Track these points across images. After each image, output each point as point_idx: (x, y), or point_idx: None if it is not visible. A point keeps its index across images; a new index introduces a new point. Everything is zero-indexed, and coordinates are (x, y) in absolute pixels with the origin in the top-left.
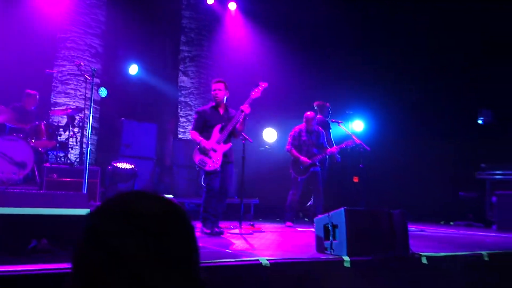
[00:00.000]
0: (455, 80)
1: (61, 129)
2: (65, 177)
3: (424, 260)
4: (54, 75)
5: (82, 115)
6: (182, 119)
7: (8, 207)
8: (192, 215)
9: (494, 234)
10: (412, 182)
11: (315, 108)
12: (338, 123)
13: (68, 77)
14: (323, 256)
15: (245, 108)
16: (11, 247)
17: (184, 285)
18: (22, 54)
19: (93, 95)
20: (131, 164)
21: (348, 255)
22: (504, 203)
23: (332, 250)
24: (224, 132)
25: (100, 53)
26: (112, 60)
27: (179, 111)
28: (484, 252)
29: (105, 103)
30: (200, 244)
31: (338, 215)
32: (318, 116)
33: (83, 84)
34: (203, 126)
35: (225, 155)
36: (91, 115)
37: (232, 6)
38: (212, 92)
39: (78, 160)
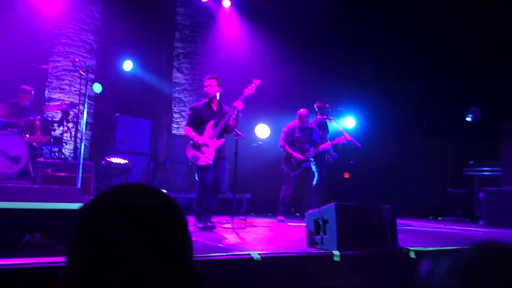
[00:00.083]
0: (445, 78)
1: (55, 124)
2: (59, 172)
3: (412, 255)
4: (49, 70)
5: (76, 111)
6: (176, 115)
7: (2, 201)
8: (185, 210)
9: (481, 229)
10: (402, 178)
11: (316, 109)
12: (330, 119)
13: (63, 72)
14: (313, 251)
15: (238, 104)
16: (4, 241)
17: (181, 279)
18: (18, 50)
19: (87, 90)
20: (125, 159)
21: (338, 249)
22: (491, 199)
23: (322, 245)
24: (217, 128)
25: (95, 49)
26: (107, 56)
27: (173, 107)
28: None
29: (99, 98)
30: (193, 238)
31: (329, 210)
32: (318, 116)
33: (78, 80)
34: (197, 122)
35: (218, 150)
36: (85, 110)
37: (226, 3)
38: (205, 88)
39: (72, 155)
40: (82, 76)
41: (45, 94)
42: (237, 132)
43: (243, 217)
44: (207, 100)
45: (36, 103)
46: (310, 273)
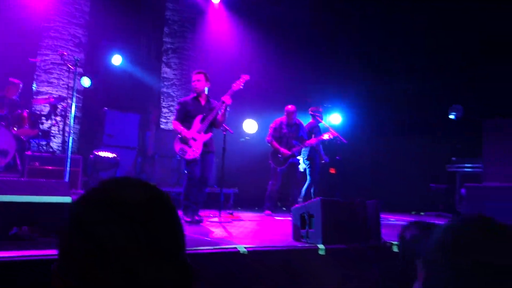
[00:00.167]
0: (429, 77)
1: (43, 118)
2: (47, 165)
3: (395, 249)
4: (37, 64)
5: (65, 104)
6: (164, 110)
7: None
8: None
9: None
10: (386, 174)
11: (310, 113)
12: (316, 116)
13: (51, 66)
14: (299, 244)
15: (227, 99)
16: None
17: (176, 274)
18: (5, 42)
19: (76, 84)
20: (113, 153)
21: (323, 243)
22: (472, 195)
23: (308, 239)
24: (205, 122)
25: (84, 43)
26: (96, 50)
27: (161, 101)
28: None
29: (88, 92)
30: None
31: (315, 205)
32: (311, 120)
33: (66, 74)
34: (185, 116)
35: (205, 144)
36: (73, 104)
37: None
38: (192, 83)
39: (60, 148)
40: (71, 70)
41: (33, 88)
42: (225, 127)
43: (230, 211)
44: (195, 94)
45: (24, 97)
46: (295, 266)
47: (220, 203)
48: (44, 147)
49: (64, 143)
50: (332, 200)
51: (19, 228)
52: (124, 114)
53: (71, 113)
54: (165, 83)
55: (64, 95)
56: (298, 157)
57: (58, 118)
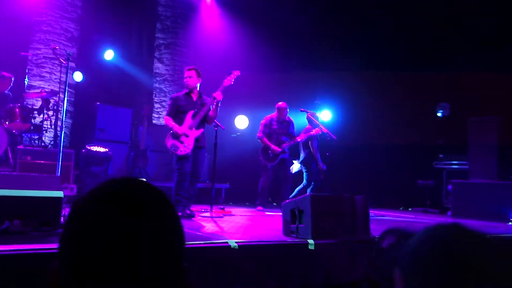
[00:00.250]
0: (417, 74)
1: (35, 112)
2: (39, 160)
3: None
4: (29, 58)
5: (57, 99)
6: (156, 105)
7: None
8: None
9: (448, 219)
10: (374, 170)
11: (309, 116)
12: (307, 112)
13: (43, 60)
14: (289, 239)
15: (218, 95)
16: None
17: (175, 274)
18: None
19: (68, 79)
20: (105, 147)
21: (312, 238)
22: (458, 191)
23: (298, 234)
24: (197, 118)
25: (76, 38)
26: (88, 44)
27: (154, 97)
28: None
29: (80, 87)
30: None
31: (304, 201)
32: (308, 126)
33: (58, 68)
34: (177, 112)
35: (197, 140)
36: (66, 98)
37: None
38: (184, 80)
39: (52, 143)
40: (63, 64)
41: (25, 82)
42: (216, 123)
43: (222, 206)
44: (187, 90)
45: (16, 91)
46: (285, 260)
47: (211, 198)
48: (36, 141)
49: (56, 138)
50: (321, 195)
51: (11, 222)
52: (116, 109)
53: (63, 108)
54: (158, 78)
55: (56, 89)
56: (295, 161)
57: (50, 113)
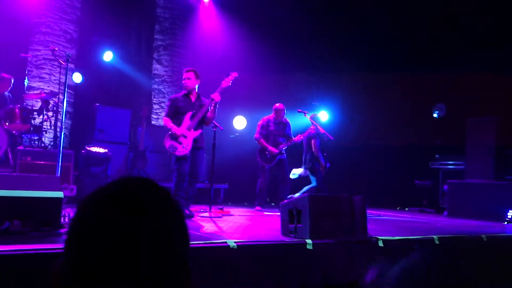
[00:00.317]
0: (414, 75)
1: (35, 113)
2: (39, 160)
3: (381, 243)
4: (29, 59)
5: (56, 100)
6: (155, 106)
7: None
8: None
9: (445, 219)
10: (371, 171)
11: (310, 119)
12: (305, 113)
13: (42, 61)
14: (287, 239)
15: (216, 96)
16: None
17: (178, 274)
18: None
19: (67, 80)
20: (105, 148)
21: (310, 238)
22: (454, 191)
23: (296, 234)
24: (195, 119)
25: (75, 39)
26: (87, 46)
27: (152, 98)
28: (435, 236)
29: (79, 88)
30: None
31: (303, 201)
32: (312, 126)
33: (58, 69)
34: (175, 113)
35: (196, 140)
36: (65, 99)
37: None
38: (183, 81)
39: (52, 143)
40: (62, 66)
41: (25, 83)
42: (215, 124)
43: (220, 207)
44: (186, 92)
45: (16, 92)
46: (284, 260)
47: (210, 198)
48: (36, 142)
49: (56, 138)
50: (319, 195)
51: (11, 222)
52: (116, 109)
53: (62, 109)
54: (156, 79)
55: (56, 90)
56: (297, 169)
57: (50, 114)
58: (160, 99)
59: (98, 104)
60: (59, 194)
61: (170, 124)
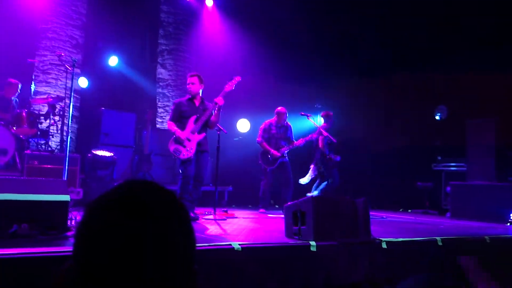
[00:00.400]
0: (415, 77)
1: (42, 117)
2: (46, 164)
3: (384, 245)
4: (35, 64)
5: (63, 104)
6: (160, 110)
7: None
8: None
9: (447, 221)
10: (374, 173)
11: (321, 118)
12: (307, 116)
13: (49, 66)
14: (291, 241)
15: (219, 100)
16: None
17: (184, 276)
18: (4, 43)
19: (73, 84)
20: (110, 152)
21: (314, 240)
22: (457, 193)
23: (300, 236)
24: (199, 122)
25: (81, 44)
26: (93, 51)
27: (157, 102)
28: (438, 238)
29: (85, 92)
30: None
31: (306, 203)
32: (323, 124)
33: (64, 74)
34: (179, 116)
35: (199, 144)
36: (71, 104)
37: (209, 2)
38: (187, 86)
39: (58, 147)
40: (68, 71)
41: (32, 88)
42: (219, 127)
43: (225, 209)
44: (190, 96)
45: (23, 97)
46: (288, 261)
47: (215, 201)
48: (43, 146)
49: (63, 142)
50: (323, 197)
51: (19, 225)
52: (121, 113)
53: (69, 113)
54: (161, 83)
55: (62, 95)
56: (305, 178)
57: (57, 118)
58: (164, 103)
59: (103, 108)
60: (66, 198)
61: (174, 128)
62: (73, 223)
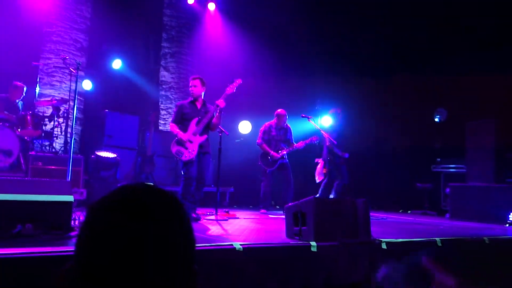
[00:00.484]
0: (415, 79)
1: (46, 119)
2: (50, 165)
3: (384, 246)
4: (40, 67)
5: (67, 106)
6: (162, 112)
7: None
8: None
9: (447, 221)
10: (374, 174)
11: (329, 115)
12: (308, 118)
13: (53, 69)
14: (292, 241)
15: (220, 102)
16: None
17: (184, 277)
18: (9, 46)
19: (77, 87)
20: (113, 153)
21: (315, 240)
22: (456, 194)
23: (300, 236)
24: (200, 124)
25: (85, 48)
26: (97, 54)
27: (160, 104)
28: (437, 238)
29: (89, 95)
30: None
31: (307, 204)
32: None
33: (68, 77)
34: (181, 119)
35: (201, 145)
36: (75, 106)
37: (211, 6)
38: (189, 88)
39: (62, 149)
40: (72, 73)
41: (36, 90)
42: (221, 129)
43: (226, 210)
44: (192, 98)
45: (28, 99)
46: (289, 262)
47: (216, 201)
48: (47, 148)
49: (66, 144)
50: (323, 198)
51: (23, 226)
52: (124, 115)
53: (73, 115)
54: (163, 86)
55: (66, 97)
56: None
57: (61, 120)
58: (167, 105)
59: (107, 110)
60: (70, 198)
61: (176, 130)
62: (76, 223)
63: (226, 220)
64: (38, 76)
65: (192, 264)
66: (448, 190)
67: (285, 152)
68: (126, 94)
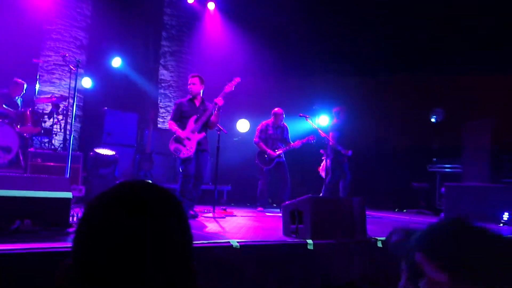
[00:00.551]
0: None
1: (46, 116)
2: (49, 162)
3: (379, 244)
4: (40, 65)
5: (66, 103)
6: (161, 110)
7: None
8: None
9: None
10: (370, 173)
11: (334, 113)
12: (306, 117)
13: (53, 67)
14: (289, 239)
15: (219, 100)
16: None
17: (183, 274)
18: (10, 44)
19: (77, 84)
20: (112, 150)
21: (311, 238)
22: (451, 193)
23: (297, 234)
24: (199, 122)
25: (85, 45)
26: (97, 52)
27: (159, 102)
28: None
29: (89, 92)
30: None
31: (304, 202)
32: (335, 120)
33: (68, 74)
34: (180, 116)
35: (199, 143)
36: (75, 103)
37: (211, 5)
38: (188, 86)
39: (61, 146)
40: (72, 71)
41: (36, 87)
42: (219, 127)
43: (224, 207)
44: (190, 96)
45: (27, 96)
46: (285, 259)
47: (214, 199)
48: (46, 144)
49: (66, 141)
50: (320, 197)
51: (22, 221)
52: (123, 113)
53: (72, 112)
54: (163, 84)
55: (66, 94)
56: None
57: (60, 117)
58: (166, 103)
59: (106, 108)
60: (68, 195)
61: (175, 127)
62: (75, 219)
63: (224, 217)
64: (38, 73)
65: (190, 261)
66: (443, 189)
67: (281, 151)
68: (125, 92)
